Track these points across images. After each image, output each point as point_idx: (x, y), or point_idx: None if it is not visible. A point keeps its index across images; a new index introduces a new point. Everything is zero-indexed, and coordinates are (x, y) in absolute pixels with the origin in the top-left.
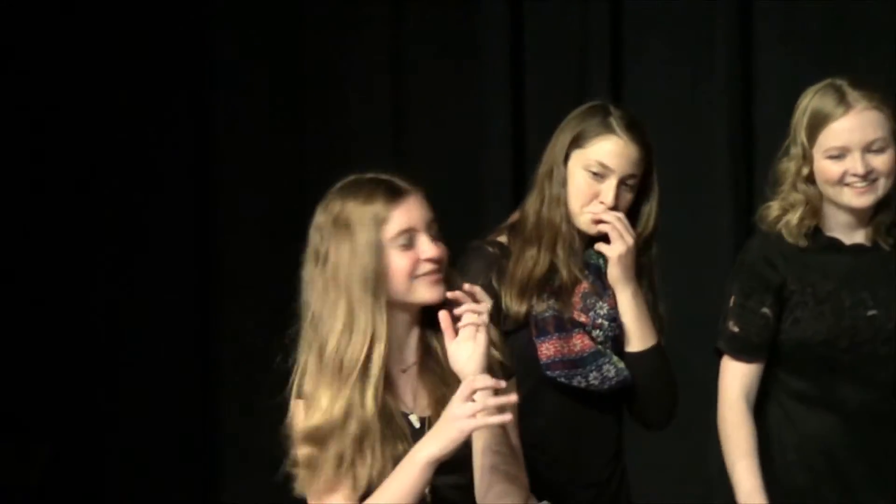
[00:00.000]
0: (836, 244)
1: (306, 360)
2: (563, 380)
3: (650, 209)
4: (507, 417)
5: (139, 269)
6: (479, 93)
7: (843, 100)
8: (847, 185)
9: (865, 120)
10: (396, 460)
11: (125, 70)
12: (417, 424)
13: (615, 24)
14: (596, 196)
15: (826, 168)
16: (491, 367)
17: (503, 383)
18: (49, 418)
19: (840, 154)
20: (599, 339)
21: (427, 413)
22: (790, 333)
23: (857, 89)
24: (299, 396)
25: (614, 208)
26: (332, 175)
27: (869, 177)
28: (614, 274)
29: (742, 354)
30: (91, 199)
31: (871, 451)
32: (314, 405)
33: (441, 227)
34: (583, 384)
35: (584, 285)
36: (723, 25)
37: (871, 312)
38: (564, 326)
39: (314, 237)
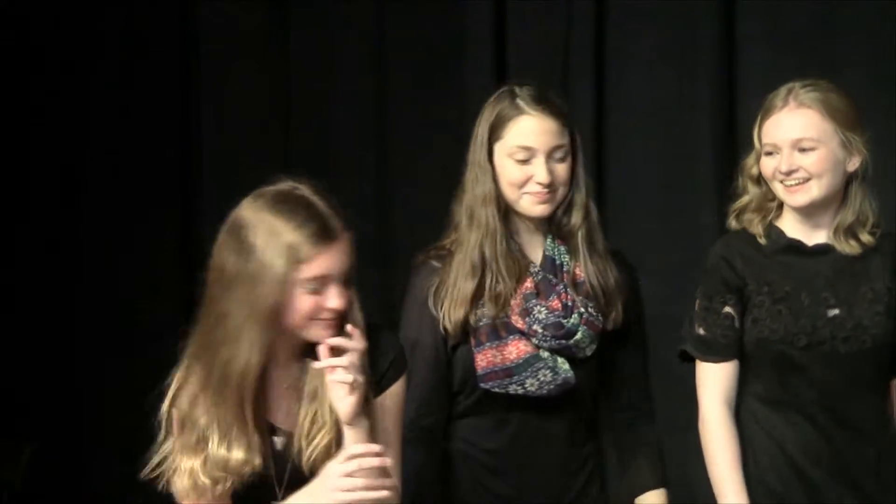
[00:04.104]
0: (796, 246)
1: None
2: (497, 389)
3: (578, 171)
4: (384, 494)
5: (123, 268)
6: (462, 93)
7: (785, 96)
8: (780, 182)
9: (795, 117)
10: (251, 479)
11: (113, 66)
12: (280, 447)
13: (598, 25)
14: (530, 178)
15: (763, 164)
16: (367, 403)
17: (376, 447)
18: (32, 418)
19: (771, 151)
20: (539, 345)
21: (291, 428)
22: (750, 334)
23: (804, 87)
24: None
25: (551, 183)
26: (316, 175)
27: (795, 175)
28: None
29: (711, 355)
30: (76, 199)
31: (837, 451)
32: (192, 420)
33: (429, 227)
34: (520, 391)
35: (528, 284)
36: (706, 25)
37: (832, 312)
38: (499, 334)
39: (230, 237)
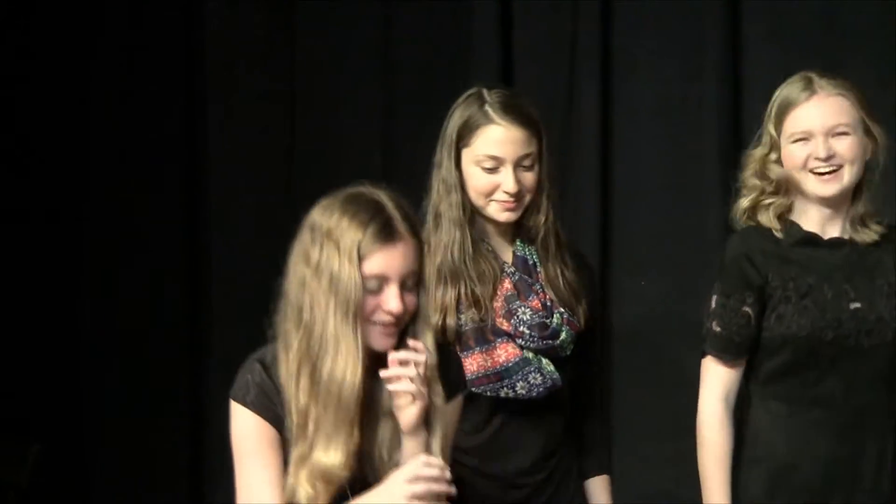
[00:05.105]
0: (813, 239)
1: (291, 379)
2: (489, 393)
3: (543, 176)
4: (452, 490)
5: (128, 270)
6: None
7: (808, 86)
8: (811, 171)
9: (829, 105)
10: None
11: (115, 67)
12: None
13: (605, 24)
14: (497, 187)
15: (791, 153)
16: (429, 416)
17: (448, 474)
18: (38, 419)
19: (804, 138)
20: (525, 346)
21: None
22: (774, 330)
23: (823, 77)
24: (260, 410)
25: (518, 192)
26: (320, 174)
27: (832, 161)
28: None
29: (725, 354)
30: (79, 200)
31: (860, 445)
32: (297, 431)
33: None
34: (511, 394)
35: (507, 285)
36: (712, 24)
37: (854, 305)
38: (486, 338)
39: (307, 233)
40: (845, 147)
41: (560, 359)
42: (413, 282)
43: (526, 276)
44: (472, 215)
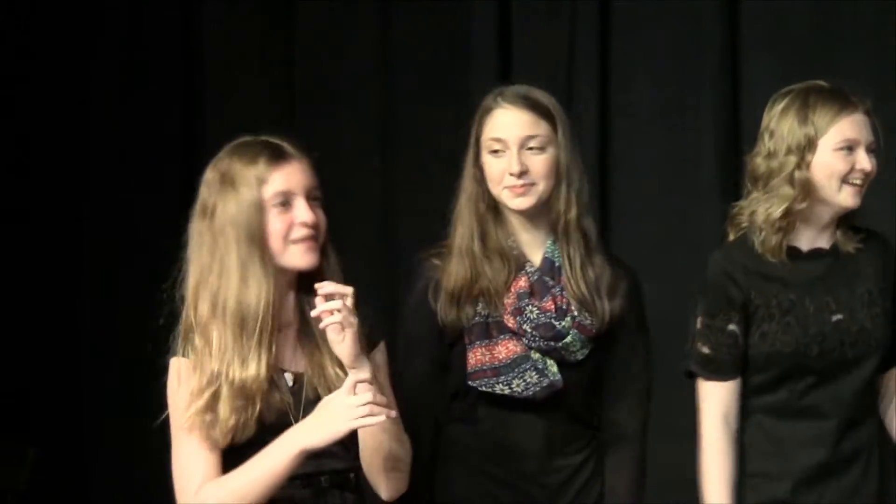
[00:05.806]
0: (792, 252)
1: (194, 315)
2: (484, 388)
3: (562, 164)
4: (392, 413)
5: (128, 270)
6: (467, 96)
7: (849, 98)
8: (850, 181)
9: (868, 121)
10: (268, 414)
11: (115, 70)
12: (291, 383)
13: (603, 29)
14: (506, 172)
15: (835, 160)
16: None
17: (382, 398)
18: (38, 420)
19: (849, 147)
20: (530, 346)
21: (301, 370)
22: (759, 347)
23: (856, 93)
24: (185, 354)
25: (525, 172)
26: (319, 174)
27: (867, 175)
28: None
29: (716, 375)
30: (79, 202)
31: (848, 453)
32: (205, 359)
33: (434, 228)
34: (506, 391)
35: (522, 283)
36: (710, 28)
37: (836, 317)
38: (490, 333)
39: (202, 192)
40: (874, 164)
41: (569, 362)
42: (315, 196)
43: (547, 279)
44: (496, 211)
